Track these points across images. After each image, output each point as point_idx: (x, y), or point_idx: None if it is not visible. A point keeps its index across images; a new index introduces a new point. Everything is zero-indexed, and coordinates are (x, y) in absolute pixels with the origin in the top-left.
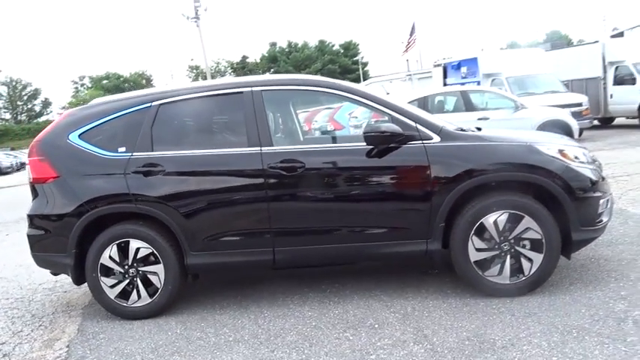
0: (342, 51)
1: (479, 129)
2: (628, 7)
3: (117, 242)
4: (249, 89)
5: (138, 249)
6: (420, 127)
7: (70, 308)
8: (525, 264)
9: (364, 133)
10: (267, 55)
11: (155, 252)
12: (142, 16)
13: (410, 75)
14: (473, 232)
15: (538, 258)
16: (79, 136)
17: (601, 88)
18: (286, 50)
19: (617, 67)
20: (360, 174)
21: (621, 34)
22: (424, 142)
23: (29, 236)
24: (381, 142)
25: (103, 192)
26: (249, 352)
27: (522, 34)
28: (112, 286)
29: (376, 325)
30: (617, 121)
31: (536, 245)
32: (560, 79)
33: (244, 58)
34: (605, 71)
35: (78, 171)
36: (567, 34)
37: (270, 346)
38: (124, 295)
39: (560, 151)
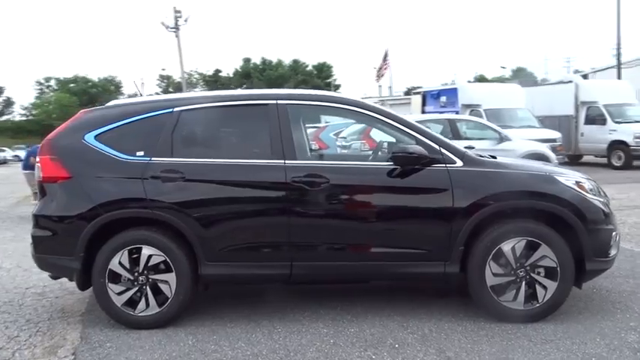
0: (315, 72)
1: (493, 157)
2: (591, 52)
3: (128, 248)
4: (274, 102)
5: (150, 256)
6: (444, 150)
7: (66, 314)
8: (540, 291)
9: (393, 153)
10: (240, 70)
11: (168, 260)
12: (113, 21)
13: (383, 100)
14: (491, 257)
15: (552, 286)
16: (95, 137)
17: (572, 126)
18: (260, 67)
19: (589, 107)
20: (382, 193)
21: (585, 77)
22: (447, 165)
23: (34, 237)
24: (407, 163)
25: (118, 195)
26: None
27: (489, 68)
28: (120, 293)
29: (396, 345)
30: (585, 158)
31: (551, 273)
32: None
33: (217, 71)
34: (577, 110)
35: (92, 173)
36: (533, 71)
37: None
38: (131, 303)
39: (578, 183)
